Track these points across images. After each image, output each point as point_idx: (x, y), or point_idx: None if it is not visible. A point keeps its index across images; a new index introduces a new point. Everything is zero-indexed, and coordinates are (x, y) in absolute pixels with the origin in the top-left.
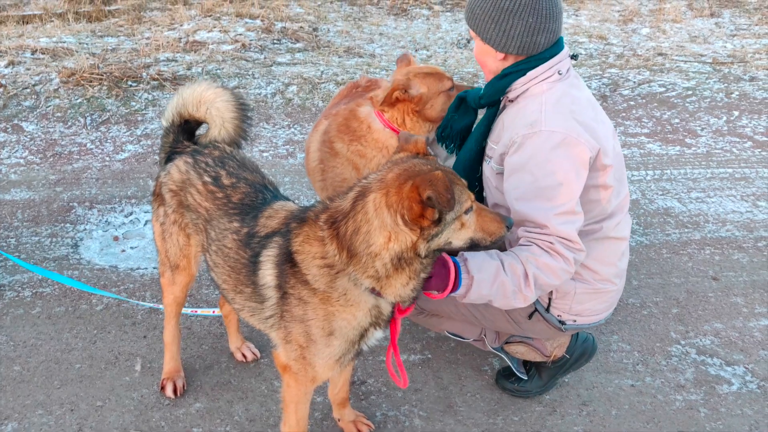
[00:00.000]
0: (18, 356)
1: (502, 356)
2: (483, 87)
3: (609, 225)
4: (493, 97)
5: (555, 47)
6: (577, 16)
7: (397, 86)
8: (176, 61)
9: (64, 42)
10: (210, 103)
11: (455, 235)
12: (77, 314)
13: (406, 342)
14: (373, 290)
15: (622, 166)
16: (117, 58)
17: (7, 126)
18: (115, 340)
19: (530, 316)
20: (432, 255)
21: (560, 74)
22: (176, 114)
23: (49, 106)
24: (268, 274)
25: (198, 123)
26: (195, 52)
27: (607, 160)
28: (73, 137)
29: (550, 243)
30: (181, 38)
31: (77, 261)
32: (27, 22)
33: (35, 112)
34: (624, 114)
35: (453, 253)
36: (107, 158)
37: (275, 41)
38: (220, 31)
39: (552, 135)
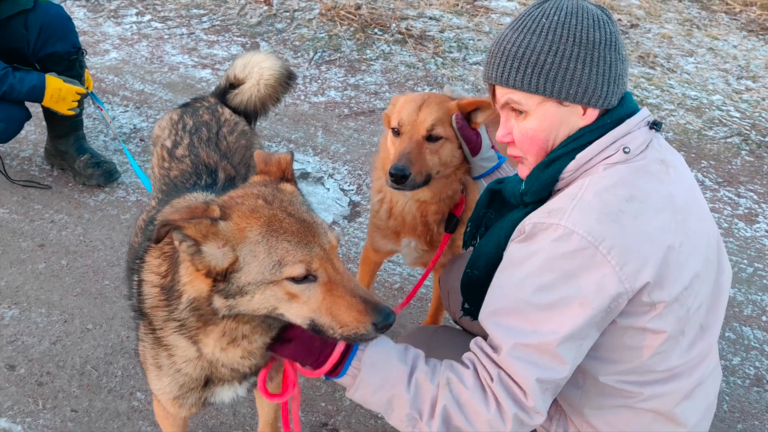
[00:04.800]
0: (75, 252)
1: None
2: (517, 176)
3: (658, 392)
4: (541, 194)
5: (620, 108)
6: None
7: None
8: (437, 20)
9: None
10: (256, 64)
11: (284, 306)
12: None
13: None
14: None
15: (711, 308)
16: (386, 4)
17: (248, 41)
18: None
19: None
20: (252, 320)
21: (626, 152)
22: (224, 78)
23: (295, 33)
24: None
25: None
26: (471, 15)
27: (662, 294)
28: (292, 68)
29: (490, 378)
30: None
31: None
32: None
33: (280, 36)
34: None
35: None
36: (303, 97)
37: None
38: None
39: (568, 236)
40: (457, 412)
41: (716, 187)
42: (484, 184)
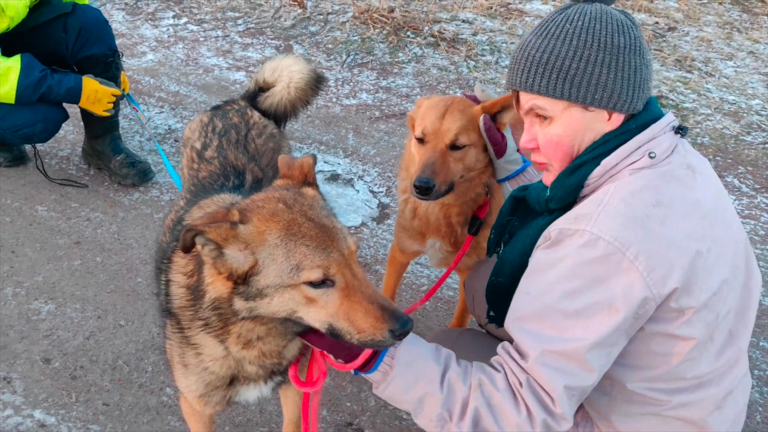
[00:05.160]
0: (109, 249)
1: None
2: (541, 183)
3: (686, 400)
4: (566, 200)
5: (645, 113)
6: None
7: None
8: (470, 23)
9: None
10: (285, 68)
11: (303, 309)
12: None
13: None
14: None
15: (740, 314)
16: (419, 7)
17: (281, 44)
18: None
19: None
20: (269, 322)
21: (652, 157)
22: (253, 82)
23: (328, 36)
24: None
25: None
26: (505, 18)
27: (690, 300)
28: (325, 70)
29: (519, 383)
30: (508, 3)
31: None
32: None
33: (313, 38)
34: None
35: None
36: (334, 99)
37: None
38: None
39: (595, 242)
40: (488, 415)
41: (753, 193)
42: (508, 187)
